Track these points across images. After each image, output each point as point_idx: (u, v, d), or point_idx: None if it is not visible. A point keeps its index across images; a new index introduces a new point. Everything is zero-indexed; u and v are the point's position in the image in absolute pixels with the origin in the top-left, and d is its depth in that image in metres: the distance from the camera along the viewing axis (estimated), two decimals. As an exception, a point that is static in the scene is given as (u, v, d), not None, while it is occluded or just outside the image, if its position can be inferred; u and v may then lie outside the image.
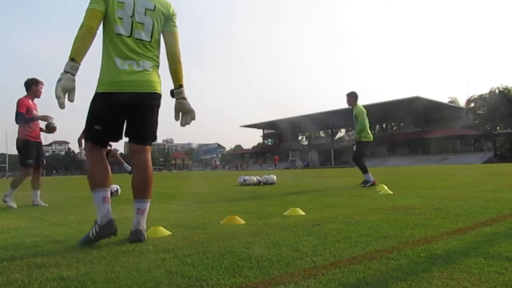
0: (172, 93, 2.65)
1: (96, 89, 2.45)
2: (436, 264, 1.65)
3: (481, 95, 55.48)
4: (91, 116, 2.47)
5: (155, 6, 2.49)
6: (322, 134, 77.30)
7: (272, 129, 73.33)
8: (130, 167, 7.45)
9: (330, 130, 69.66)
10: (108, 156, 5.53)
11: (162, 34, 2.58)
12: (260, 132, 78.87)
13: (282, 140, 70.76)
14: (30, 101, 5.12)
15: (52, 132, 5.24)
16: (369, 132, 7.30)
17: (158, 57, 2.57)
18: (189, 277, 1.60)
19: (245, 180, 8.88)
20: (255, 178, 8.80)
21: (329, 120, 58.67)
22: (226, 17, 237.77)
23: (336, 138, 70.84)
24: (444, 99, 59.85)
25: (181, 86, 2.61)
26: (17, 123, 5.02)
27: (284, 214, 3.38)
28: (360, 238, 2.24)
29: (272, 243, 2.19)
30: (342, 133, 75.91)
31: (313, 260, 1.79)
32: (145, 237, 2.41)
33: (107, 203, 2.41)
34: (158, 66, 2.57)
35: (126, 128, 2.53)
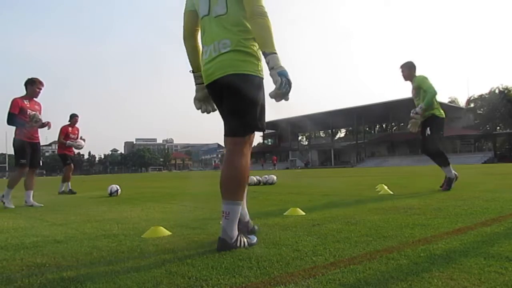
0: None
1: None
2: (436, 264, 1.65)
3: (481, 95, 55.52)
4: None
5: None
6: (322, 134, 77.29)
7: (272, 129, 73.33)
8: (63, 190, 7.88)
9: (330, 130, 69.66)
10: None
11: None
12: (260, 132, 78.74)
13: (282, 140, 70.77)
14: (26, 101, 5.09)
15: (42, 126, 5.19)
16: (440, 107, 5.36)
17: (245, 27, 2.09)
18: (189, 277, 1.60)
19: (245, 180, 8.87)
20: (255, 178, 8.80)
21: (329, 120, 58.70)
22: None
23: (336, 138, 70.88)
24: (444, 99, 59.89)
25: (266, 53, 1.98)
26: (7, 123, 4.98)
27: (284, 214, 3.38)
28: (360, 238, 2.24)
29: (272, 243, 2.19)
30: (342, 133, 76.04)
31: (313, 260, 1.79)
32: (235, 246, 2.05)
33: None
34: (249, 40, 2.10)
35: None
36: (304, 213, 3.35)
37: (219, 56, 2.10)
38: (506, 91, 50.01)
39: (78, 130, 8.21)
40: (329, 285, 1.43)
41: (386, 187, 5.47)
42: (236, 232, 2.09)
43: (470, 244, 1.99)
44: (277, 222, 2.95)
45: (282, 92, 1.93)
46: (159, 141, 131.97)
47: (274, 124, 67.81)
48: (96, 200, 5.40)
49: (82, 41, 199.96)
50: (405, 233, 2.33)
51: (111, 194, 6.57)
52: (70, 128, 8.10)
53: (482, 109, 54.74)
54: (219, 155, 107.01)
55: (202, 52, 2.25)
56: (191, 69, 2.38)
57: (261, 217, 3.28)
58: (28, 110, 5.08)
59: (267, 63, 1.98)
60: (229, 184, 2.12)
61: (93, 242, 2.42)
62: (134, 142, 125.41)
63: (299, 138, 75.18)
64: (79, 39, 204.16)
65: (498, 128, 53.04)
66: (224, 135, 2.22)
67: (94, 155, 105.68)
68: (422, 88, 5.22)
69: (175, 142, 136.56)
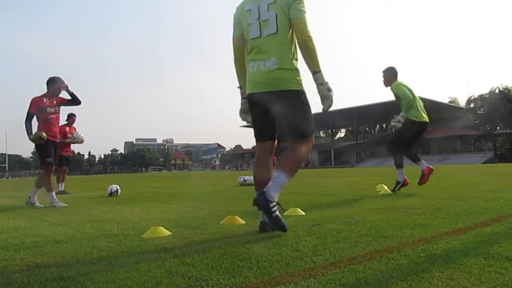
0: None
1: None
2: (436, 264, 1.65)
3: (481, 95, 55.50)
4: None
5: None
6: (322, 134, 77.28)
7: (272, 129, 73.19)
8: (60, 190, 7.73)
9: (330, 130, 69.65)
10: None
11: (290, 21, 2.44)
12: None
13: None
14: (45, 99, 5.08)
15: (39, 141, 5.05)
16: (420, 111, 5.31)
17: (291, 48, 2.46)
18: (189, 277, 1.60)
19: (245, 180, 8.88)
20: (255, 178, 8.80)
21: (329, 120, 58.70)
22: (226, 17, 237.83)
23: (336, 138, 70.86)
24: (444, 99, 59.91)
25: (314, 72, 2.39)
26: (24, 123, 4.94)
27: (284, 214, 3.38)
28: (360, 238, 2.24)
29: (272, 243, 2.19)
30: (342, 133, 76.07)
31: (313, 260, 1.79)
32: (269, 205, 2.26)
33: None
34: (295, 60, 2.48)
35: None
36: (304, 213, 3.35)
37: (269, 72, 2.43)
38: (506, 91, 49.99)
39: (75, 130, 8.23)
40: (329, 285, 1.43)
41: (386, 187, 5.47)
42: (276, 197, 2.31)
43: (470, 244, 1.99)
44: (277, 222, 2.94)
45: (330, 104, 2.38)
46: (159, 141, 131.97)
47: (274, 124, 67.73)
48: (96, 200, 5.40)
49: (82, 41, 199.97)
50: (405, 233, 2.33)
51: (111, 194, 6.57)
52: (67, 128, 8.14)
53: (482, 109, 54.72)
54: (219, 155, 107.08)
55: (248, 66, 2.56)
56: (238, 85, 2.71)
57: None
58: (48, 108, 5.07)
59: (316, 79, 2.38)
60: (291, 160, 2.44)
61: (93, 242, 2.42)
62: (134, 142, 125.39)
63: (299, 138, 75.02)
64: (79, 39, 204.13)
65: (498, 128, 53.02)
66: (291, 141, 2.51)
67: (94, 155, 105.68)
68: (398, 95, 5.22)
69: (175, 142, 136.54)
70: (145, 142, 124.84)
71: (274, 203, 2.28)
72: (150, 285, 1.51)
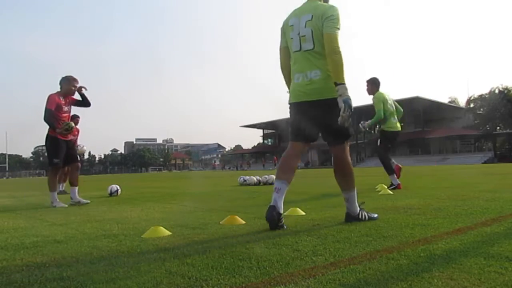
0: None
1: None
2: (436, 264, 1.65)
3: (481, 95, 55.39)
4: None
5: (312, 15, 2.68)
6: (322, 134, 77.21)
7: (272, 129, 73.28)
8: (61, 190, 7.62)
9: (330, 130, 69.50)
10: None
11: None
12: (260, 132, 78.85)
13: (282, 140, 70.71)
14: (61, 97, 5.08)
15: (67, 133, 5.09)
16: (394, 121, 6.21)
17: (325, 63, 2.68)
18: (189, 277, 1.60)
19: (245, 180, 8.88)
20: (255, 178, 8.81)
21: (329, 120, 58.58)
22: (226, 17, 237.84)
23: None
24: (444, 99, 59.89)
25: (336, 83, 2.58)
26: (44, 119, 4.93)
27: (284, 214, 3.38)
28: (360, 238, 2.24)
29: (272, 243, 2.19)
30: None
31: (313, 260, 1.79)
32: (358, 218, 2.78)
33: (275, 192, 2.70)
34: (328, 70, 2.67)
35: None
36: (304, 213, 3.36)
37: (311, 83, 2.70)
38: (506, 91, 49.92)
39: (78, 131, 8.19)
40: (329, 285, 1.43)
41: (386, 187, 5.47)
42: (357, 209, 2.81)
43: (470, 244, 1.99)
44: (277, 222, 2.94)
45: (346, 115, 2.54)
46: (159, 141, 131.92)
47: (274, 124, 67.80)
48: (96, 200, 5.40)
49: (82, 41, 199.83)
50: (405, 233, 2.33)
51: (111, 194, 6.58)
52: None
53: (482, 109, 54.64)
54: (219, 155, 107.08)
55: (293, 77, 2.83)
56: (287, 90, 2.98)
57: (261, 217, 3.28)
58: (64, 106, 5.08)
59: (337, 90, 2.57)
60: (347, 177, 2.82)
61: (93, 242, 2.42)
62: (134, 142, 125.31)
63: (299, 138, 75.10)
64: (79, 39, 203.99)
65: (498, 128, 52.97)
66: (331, 146, 2.88)
67: (94, 155, 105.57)
68: (374, 107, 6.01)
69: (175, 142, 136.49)
70: (145, 142, 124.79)
71: (357, 213, 2.80)
72: (150, 285, 1.51)
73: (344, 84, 2.56)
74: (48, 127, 5.01)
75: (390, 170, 5.97)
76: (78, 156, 5.48)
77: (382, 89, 6.14)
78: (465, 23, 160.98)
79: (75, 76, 5.20)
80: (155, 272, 1.69)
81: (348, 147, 2.86)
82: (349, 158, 2.85)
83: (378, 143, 6.41)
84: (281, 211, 2.61)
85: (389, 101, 6.09)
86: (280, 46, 2.92)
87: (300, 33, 2.72)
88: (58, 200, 5.05)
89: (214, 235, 2.52)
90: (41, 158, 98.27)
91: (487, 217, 2.82)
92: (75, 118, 8.19)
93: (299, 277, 1.53)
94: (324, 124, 2.77)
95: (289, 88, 2.93)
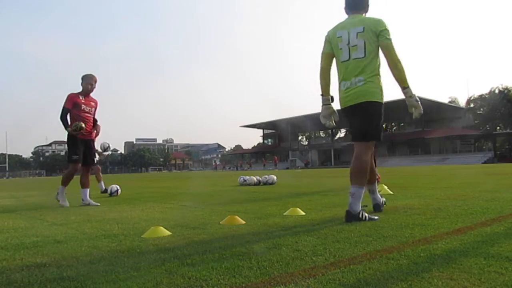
0: (332, 98, 3.15)
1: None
2: (436, 264, 1.65)
3: (481, 95, 55.42)
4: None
5: (364, 27, 2.94)
6: (322, 134, 77.27)
7: (272, 129, 73.28)
8: (104, 187, 7.42)
9: (330, 130, 69.60)
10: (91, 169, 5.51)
11: (380, 47, 2.96)
12: (260, 132, 78.90)
13: (282, 140, 70.74)
14: (81, 96, 5.06)
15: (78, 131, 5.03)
16: None
17: (375, 69, 2.97)
18: (189, 277, 1.60)
19: (245, 180, 8.87)
20: (255, 178, 8.80)
21: (329, 120, 58.54)
22: (226, 17, 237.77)
23: (336, 138, 70.83)
24: (444, 99, 59.85)
25: (404, 88, 2.92)
26: (60, 118, 4.92)
27: (284, 214, 3.38)
28: (360, 238, 2.24)
29: (272, 243, 2.19)
30: (342, 133, 76.08)
31: (313, 260, 1.79)
32: (358, 217, 2.83)
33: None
34: (376, 76, 2.98)
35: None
36: (304, 213, 3.36)
37: (355, 88, 2.96)
38: (506, 91, 49.93)
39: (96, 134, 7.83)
40: (329, 285, 1.43)
41: (386, 187, 5.47)
42: (359, 208, 2.87)
43: (470, 244, 1.99)
44: (277, 222, 2.95)
45: (420, 112, 2.95)
46: (159, 141, 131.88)
47: (274, 124, 67.81)
48: (96, 200, 5.39)
49: (82, 40, 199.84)
50: (405, 233, 2.33)
51: (111, 194, 6.58)
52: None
53: (482, 109, 54.65)
54: (219, 155, 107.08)
55: (340, 84, 3.08)
56: (321, 93, 3.16)
57: (261, 217, 3.29)
58: (83, 105, 5.05)
59: (405, 93, 2.92)
60: (357, 173, 2.95)
61: (93, 242, 2.42)
62: (134, 142, 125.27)
63: (299, 138, 75.15)
64: (79, 38, 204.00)
65: (498, 128, 52.97)
66: (354, 140, 3.09)
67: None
68: None
69: (175, 142, 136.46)
70: (145, 142, 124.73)
71: (358, 212, 2.85)
72: (150, 285, 1.51)
73: (409, 87, 2.91)
74: (69, 124, 4.99)
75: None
76: (94, 159, 5.46)
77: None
78: (465, 23, 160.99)
79: (94, 75, 5.18)
80: (155, 272, 1.69)
81: (372, 148, 3.08)
82: (368, 157, 3.02)
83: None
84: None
85: None
86: (323, 51, 3.14)
87: (350, 43, 2.97)
88: (64, 197, 5.00)
89: (214, 235, 2.52)
90: (41, 158, 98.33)
91: (487, 217, 2.82)
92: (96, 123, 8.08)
93: (299, 277, 1.53)
94: (356, 123, 3.05)
95: (324, 92, 3.14)
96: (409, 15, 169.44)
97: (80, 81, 5.15)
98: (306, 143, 74.57)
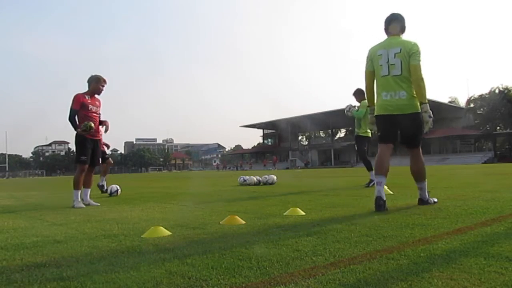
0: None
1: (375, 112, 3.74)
2: (436, 264, 1.65)
3: (481, 95, 55.35)
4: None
5: (401, 49, 3.49)
6: (322, 134, 77.24)
7: (272, 129, 73.27)
8: (102, 183, 7.44)
9: (330, 130, 69.59)
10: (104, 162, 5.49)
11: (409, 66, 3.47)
12: (260, 132, 78.89)
13: (282, 140, 70.73)
14: (87, 97, 5.05)
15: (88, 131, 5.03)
16: (366, 127, 7.20)
17: (409, 85, 3.51)
18: (189, 277, 1.60)
19: (245, 180, 8.87)
20: (255, 178, 8.79)
21: (329, 120, 58.59)
22: (226, 17, 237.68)
23: (336, 138, 70.79)
24: (444, 99, 59.84)
25: (421, 103, 3.49)
26: (68, 119, 4.91)
27: (284, 214, 3.38)
28: (360, 238, 2.24)
29: (272, 243, 2.19)
30: (342, 133, 76.10)
31: (313, 260, 1.79)
32: (428, 202, 3.63)
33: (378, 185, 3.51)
34: (413, 90, 3.51)
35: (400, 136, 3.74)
36: (304, 213, 3.35)
37: (399, 101, 3.51)
38: (506, 91, 49.89)
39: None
40: (329, 285, 1.43)
41: (386, 187, 5.45)
42: (427, 196, 3.68)
43: (470, 244, 1.99)
44: (277, 222, 2.95)
45: (430, 127, 3.52)
46: (159, 141, 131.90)
47: (274, 124, 67.82)
48: (96, 200, 5.39)
49: (82, 40, 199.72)
50: (405, 233, 2.33)
51: (111, 194, 6.57)
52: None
53: (482, 109, 54.59)
54: (219, 155, 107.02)
55: (381, 94, 3.62)
56: (368, 104, 3.89)
57: (261, 217, 3.28)
58: (90, 105, 5.04)
59: (422, 108, 3.49)
60: (421, 171, 3.67)
61: (93, 242, 2.42)
62: (134, 142, 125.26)
63: (299, 138, 75.13)
64: (79, 38, 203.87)
65: (498, 128, 52.93)
66: (407, 147, 3.75)
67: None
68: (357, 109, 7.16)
69: (175, 142, 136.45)
70: (145, 142, 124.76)
71: (427, 199, 3.66)
72: (150, 285, 1.51)
73: (427, 103, 3.48)
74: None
75: (370, 167, 6.76)
76: (99, 160, 5.44)
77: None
78: (465, 23, 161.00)
79: (104, 76, 5.18)
80: (155, 272, 1.69)
81: (421, 149, 3.73)
82: (422, 157, 3.74)
83: (356, 147, 7.67)
84: (385, 199, 3.43)
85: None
86: (367, 69, 3.71)
87: (389, 62, 3.51)
88: (79, 200, 4.94)
89: (214, 235, 2.52)
90: (41, 158, 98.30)
91: (487, 217, 2.82)
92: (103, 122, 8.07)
93: (299, 277, 1.53)
94: (406, 131, 3.65)
95: (371, 104, 3.80)
96: (409, 15, 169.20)
97: (87, 81, 5.12)
98: (306, 143, 74.55)
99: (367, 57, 3.69)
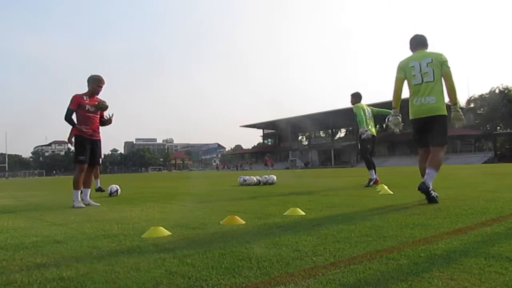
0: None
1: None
2: (436, 264, 1.65)
3: (481, 95, 55.41)
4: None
5: (432, 59, 3.98)
6: (322, 134, 77.22)
7: (272, 129, 73.26)
8: (99, 186, 7.44)
9: (330, 130, 69.62)
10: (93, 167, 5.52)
11: (442, 73, 3.96)
12: (260, 132, 78.89)
13: (282, 140, 70.73)
14: (85, 97, 5.06)
15: (105, 110, 5.19)
16: (371, 128, 7.22)
17: (441, 90, 3.99)
18: (189, 277, 1.59)
19: (245, 180, 8.86)
20: (255, 178, 8.79)
21: (329, 120, 58.64)
22: (226, 17, 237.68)
23: (336, 138, 70.79)
24: (444, 99, 59.79)
25: (454, 104, 4.05)
26: (64, 119, 4.93)
27: (284, 214, 3.38)
28: (360, 238, 2.24)
29: (272, 243, 2.19)
30: (342, 133, 76.10)
31: (313, 260, 1.79)
32: (429, 191, 3.75)
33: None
34: (442, 96, 3.99)
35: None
36: (304, 213, 3.35)
37: (428, 104, 3.98)
38: (506, 91, 49.94)
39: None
40: (329, 285, 1.43)
41: (386, 187, 5.47)
42: (431, 185, 3.79)
43: (470, 244, 1.99)
44: (277, 222, 2.95)
45: (463, 123, 4.15)
46: (159, 141, 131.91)
47: (274, 124, 67.81)
48: (96, 200, 5.39)
49: (82, 40, 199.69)
50: (405, 233, 2.33)
51: (111, 194, 6.57)
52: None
53: (482, 109, 54.65)
54: (219, 155, 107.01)
55: (413, 100, 4.10)
56: (393, 106, 4.41)
57: (261, 217, 3.28)
58: (87, 106, 5.04)
59: (454, 108, 4.06)
60: (435, 162, 3.88)
61: (93, 242, 2.42)
62: (134, 142, 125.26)
63: (299, 138, 75.11)
64: (79, 38, 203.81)
65: (498, 128, 52.96)
66: (432, 146, 4.03)
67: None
68: (356, 114, 7.12)
69: (175, 142, 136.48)
70: (145, 142, 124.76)
71: (431, 188, 3.76)
72: (150, 285, 1.51)
73: (457, 104, 4.06)
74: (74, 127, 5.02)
75: (370, 165, 6.93)
76: (99, 160, 5.45)
77: (364, 100, 7.39)
78: (465, 23, 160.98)
79: (102, 76, 5.20)
80: (155, 272, 1.69)
81: (445, 149, 4.05)
82: (443, 154, 4.03)
83: (359, 146, 7.61)
84: (430, 186, 3.75)
85: (367, 111, 7.22)
86: (398, 76, 4.18)
87: (421, 71, 4.00)
88: (79, 200, 4.93)
89: (214, 235, 2.52)
90: (41, 158, 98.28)
91: (487, 217, 2.82)
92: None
93: (299, 277, 1.53)
94: (433, 131, 4.02)
95: (396, 106, 4.36)
96: (410, 15, 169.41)
97: (86, 81, 5.13)
98: (306, 143, 74.53)
99: (399, 68, 4.18)
